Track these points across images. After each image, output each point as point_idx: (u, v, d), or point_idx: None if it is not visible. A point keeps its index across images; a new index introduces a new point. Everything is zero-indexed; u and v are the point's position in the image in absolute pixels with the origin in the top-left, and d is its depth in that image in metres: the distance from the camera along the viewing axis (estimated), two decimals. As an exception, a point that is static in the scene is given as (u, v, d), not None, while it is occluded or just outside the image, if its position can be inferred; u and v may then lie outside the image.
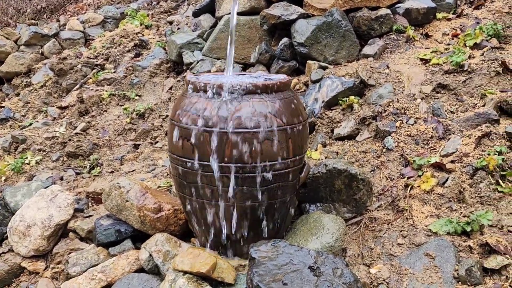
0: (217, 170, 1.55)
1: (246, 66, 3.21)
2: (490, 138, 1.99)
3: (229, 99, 1.55)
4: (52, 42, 4.66)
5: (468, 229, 1.74)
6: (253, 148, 1.52)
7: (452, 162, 1.98)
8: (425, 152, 2.06)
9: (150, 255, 1.75)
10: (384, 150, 2.20)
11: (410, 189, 1.99)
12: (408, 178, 2.00)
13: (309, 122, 2.30)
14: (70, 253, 2.01)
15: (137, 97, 3.26)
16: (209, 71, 3.26)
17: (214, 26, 3.72)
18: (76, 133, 3.10)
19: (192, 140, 1.57)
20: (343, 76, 2.53)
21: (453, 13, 3.13)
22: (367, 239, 1.82)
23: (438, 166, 2.00)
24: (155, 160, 2.57)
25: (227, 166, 1.55)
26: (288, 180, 1.63)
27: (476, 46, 2.62)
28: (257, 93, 1.57)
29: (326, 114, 2.40)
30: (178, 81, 3.31)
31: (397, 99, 2.30)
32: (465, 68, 2.42)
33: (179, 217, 1.85)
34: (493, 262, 1.63)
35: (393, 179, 2.01)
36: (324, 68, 2.73)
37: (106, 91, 3.44)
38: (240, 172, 1.55)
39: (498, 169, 1.88)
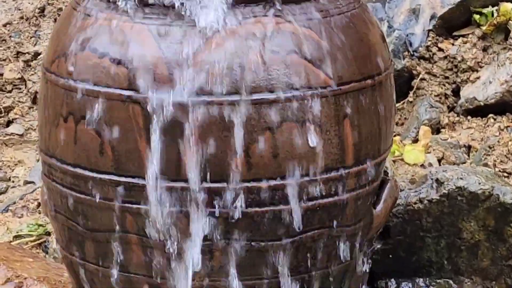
0: (160, 200, 0.99)
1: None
2: None
3: (201, 16, 1.00)
4: None
5: None
6: (257, 145, 0.97)
7: None
8: None
9: None
10: None
11: None
12: None
13: (396, 72, 1.67)
14: None
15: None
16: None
17: None
18: None
19: (95, 123, 1.00)
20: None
21: None
22: None
23: None
24: (8, 166, 1.98)
25: (184, 189, 0.96)
26: (342, 222, 1.03)
27: None
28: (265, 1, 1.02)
29: (439, 49, 1.79)
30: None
31: None
32: None
33: None
34: None
35: None
36: None
37: None
38: (219, 205, 0.97)
39: None
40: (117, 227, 0.98)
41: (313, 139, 0.96)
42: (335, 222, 1.01)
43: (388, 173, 1.22)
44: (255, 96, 0.94)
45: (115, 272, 1.01)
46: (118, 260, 1.00)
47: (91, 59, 0.97)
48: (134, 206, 0.96)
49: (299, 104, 0.96)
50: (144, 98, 0.93)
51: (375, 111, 1.03)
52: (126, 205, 0.96)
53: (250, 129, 0.94)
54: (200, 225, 0.94)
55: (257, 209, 0.96)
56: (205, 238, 0.94)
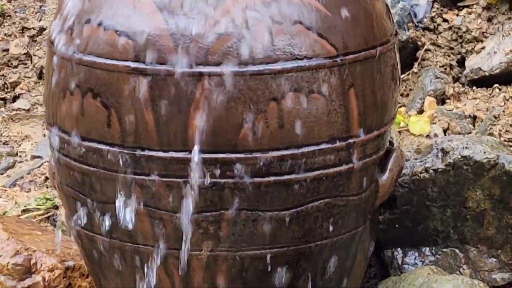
0: (174, 169, 1.00)
1: None
2: None
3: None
4: None
5: None
6: (262, 115, 0.97)
7: None
8: None
9: None
10: None
11: None
12: None
13: (401, 43, 1.67)
14: None
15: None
16: None
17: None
18: None
19: (106, 97, 1.02)
20: None
21: None
22: None
23: None
24: (15, 141, 1.98)
25: (190, 160, 0.98)
26: (348, 191, 1.05)
27: None
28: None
29: (444, 20, 1.79)
30: None
31: None
32: None
33: (79, 286, 1.28)
34: None
35: None
36: None
37: None
38: (226, 174, 0.97)
39: None
40: (126, 199, 0.99)
41: (319, 109, 0.97)
42: (341, 192, 1.02)
43: (393, 143, 1.22)
44: (261, 67, 0.95)
45: (123, 243, 1.02)
46: (126, 231, 1.01)
47: (96, 32, 0.97)
48: (142, 177, 0.96)
49: (304, 74, 0.97)
50: (150, 70, 0.94)
51: (380, 81, 1.04)
52: (134, 176, 0.97)
53: (256, 99, 0.94)
54: (206, 196, 0.96)
55: (263, 179, 0.97)
56: (212, 209, 0.96)
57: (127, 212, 1.04)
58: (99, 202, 1.04)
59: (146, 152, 0.97)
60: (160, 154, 0.98)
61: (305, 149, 0.99)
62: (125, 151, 0.99)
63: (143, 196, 1.00)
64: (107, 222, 1.05)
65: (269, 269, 1.05)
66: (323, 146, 0.99)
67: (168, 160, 0.98)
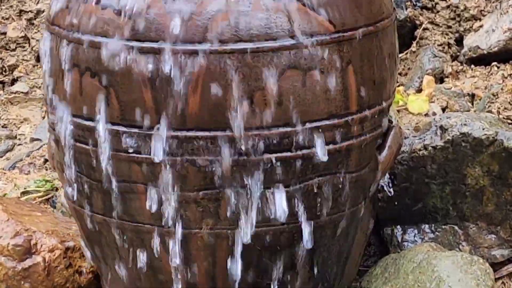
0: (165, 147, 1.00)
1: None
2: None
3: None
4: None
5: None
6: (260, 93, 0.98)
7: None
8: None
9: None
10: None
11: None
12: None
13: (399, 22, 1.73)
14: None
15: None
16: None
17: None
18: None
19: (100, 75, 1.02)
20: None
21: None
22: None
23: None
24: (14, 124, 1.97)
25: (189, 138, 0.98)
26: (348, 169, 1.07)
27: None
28: None
29: None
30: None
31: None
32: None
33: (79, 267, 1.27)
34: None
35: None
36: None
37: None
38: (226, 153, 0.98)
39: None
40: (125, 177, 0.99)
41: (317, 87, 0.97)
42: (340, 168, 1.02)
43: (392, 121, 1.19)
44: (258, 44, 0.94)
45: (123, 222, 1.02)
46: (126, 211, 1.01)
47: (94, 11, 0.97)
48: (141, 156, 0.96)
49: (302, 51, 0.96)
50: (148, 48, 0.94)
51: (378, 58, 1.04)
52: (133, 155, 0.97)
53: (254, 76, 0.94)
54: (206, 173, 0.95)
55: (262, 156, 0.97)
56: (211, 187, 0.96)
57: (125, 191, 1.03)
58: (98, 182, 1.03)
59: (145, 131, 0.96)
60: (159, 132, 0.96)
61: (304, 126, 0.99)
62: (125, 130, 0.98)
63: (143, 175, 1.00)
64: (107, 201, 1.05)
65: (269, 247, 1.04)
66: (322, 123, 0.99)
67: (169, 138, 0.98)
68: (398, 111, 1.55)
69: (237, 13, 0.96)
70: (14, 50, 2.08)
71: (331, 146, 1.00)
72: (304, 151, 0.99)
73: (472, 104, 1.58)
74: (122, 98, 0.98)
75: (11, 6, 2.19)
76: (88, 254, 1.16)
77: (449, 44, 1.73)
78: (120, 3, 0.98)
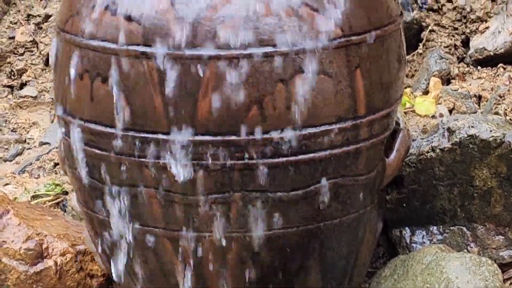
0: (175, 152, 1.00)
1: None
2: None
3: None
4: None
5: None
6: (270, 97, 0.98)
7: None
8: None
9: None
10: None
11: None
12: None
13: (405, 24, 1.65)
14: None
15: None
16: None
17: None
18: None
19: (113, 79, 1.01)
20: None
21: None
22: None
23: None
24: (23, 128, 1.96)
25: (199, 142, 0.97)
26: (356, 171, 1.06)
27: None
28: None
29: (448, 0, 1.79)
30: None
31: None
32: None
33: (90, 270, 1.28)
34: None
35: None
36: None
37: None
38: (234, 156, 0.98)
39: None
40: (136, 182, 0.99)
41: (325, 90, 0.97)
42: (348, 172, 1.02)
43: (400, 124, 1.18)
44: (267, 49, 0.94)
45: (134, 226, 1.02)
46: (137, 214, 1.01)
47: (105, 17, 0.97)
48: (152, 160, 0.96)
49: (311, 55, 0.96)
50: (158, 54, 0.94)
51: (386, 61, 1.04)
52: (144, 159, 0.97)
53: (263, 81, 0.94)
54: (217, 177, 0.96)
55: (272, 160, 0.97)
56: (221, 191, 0.96)
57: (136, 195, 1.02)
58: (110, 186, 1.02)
59: (156, 136, 0.97)
60: (170, 137, 0.96)
61: (312, 130, 0.99)
62: (136, 135, 0.98)
63: (154, 179, 0.99)
64: (117, 205, 1.04)
65: (279, 250, 1.04)
66: (331, 126, 0.99)
67: (179, 143, 0.97)
68: (405, 113, 1.52)
69: (246, 18, 0.95)
70: (22, 54, 2.09)
71: (339, 149, 1.00)
72: (313, 155, 0.99)
73: (479, 105, 1.55)
74: (133, 103, 0.97)
75: (19, 11, 2.19)
76: (98, 259, 1.15)
77: (455, 46, 1.71)
78: (130, 9, 0.98)
